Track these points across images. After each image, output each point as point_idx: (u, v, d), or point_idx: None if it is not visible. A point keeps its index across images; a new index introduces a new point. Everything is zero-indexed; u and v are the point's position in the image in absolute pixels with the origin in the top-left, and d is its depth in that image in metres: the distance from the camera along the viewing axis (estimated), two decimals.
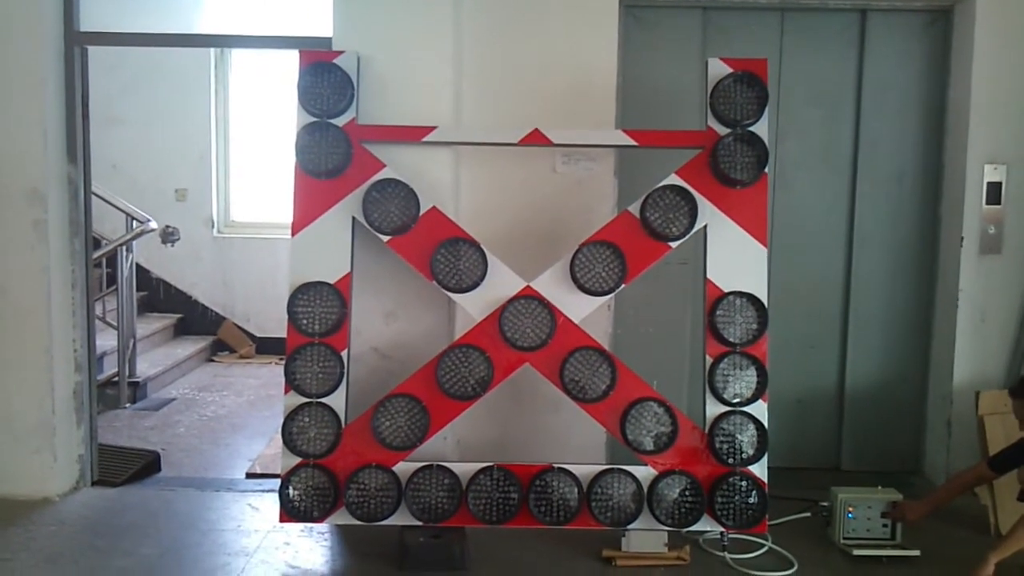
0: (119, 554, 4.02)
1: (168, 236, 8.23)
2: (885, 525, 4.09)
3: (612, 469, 3.93)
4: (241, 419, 6.44)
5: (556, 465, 3.94)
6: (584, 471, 3.94)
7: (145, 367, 7.13)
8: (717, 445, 3.93)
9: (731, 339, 3.97)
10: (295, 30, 5.17)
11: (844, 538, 4.11)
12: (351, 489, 3.90)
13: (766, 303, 3.97)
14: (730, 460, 3.93)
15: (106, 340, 6.50)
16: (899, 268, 5.05)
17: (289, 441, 3.95)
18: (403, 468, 3.92)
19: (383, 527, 3.92)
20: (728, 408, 3.96)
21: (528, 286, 3.99)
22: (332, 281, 4.01)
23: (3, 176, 4.45)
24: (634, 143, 4.12)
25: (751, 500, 3.92)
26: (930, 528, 4.22)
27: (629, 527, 3.93)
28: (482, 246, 3.98)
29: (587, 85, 4.49)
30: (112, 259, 6.95)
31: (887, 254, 5.05)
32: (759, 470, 3.95)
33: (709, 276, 4.00)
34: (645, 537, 3.95)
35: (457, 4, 4.38)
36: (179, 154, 8.55)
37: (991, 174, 4.67)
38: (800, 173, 5.02)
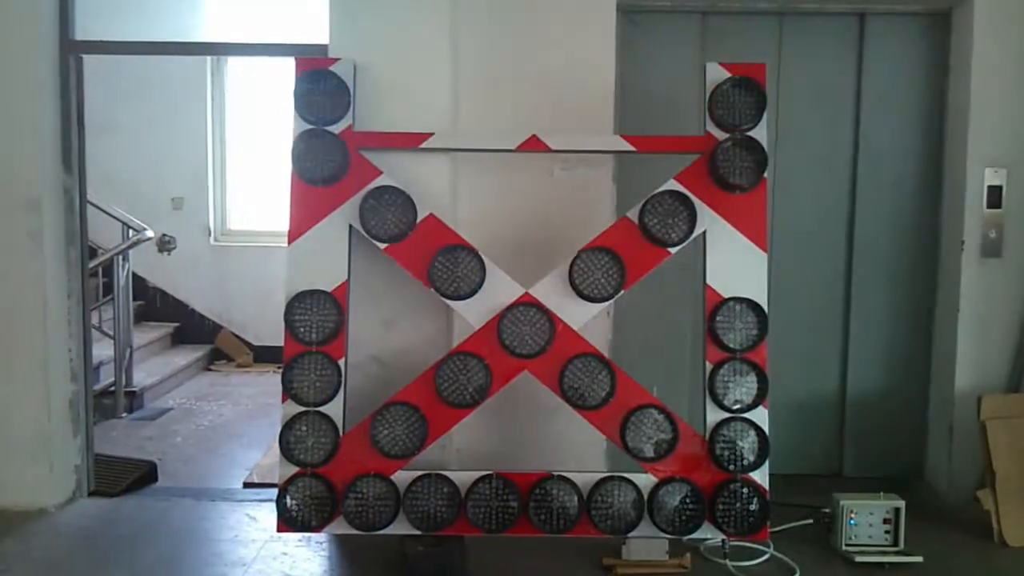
0: (116, 565, 3.99)
1: (165, 245, 8.20)
2: (887, 531, 4.07)
3: (612, 477, 3.90)
4: (238, 428, 6.42)
5: (556, 473, 3.91)
6: (584, 479, 3.91)
7: (142, 376, 7.11)
8: (718, 452, 3.91)
9: (731, 345, 3.95)
10: (291, 37, 5.16)
11: (846, 545, 4.08)
12: (349, 498, 3.88)
13: (766, 309, 3.95)
14: (731, 467, 3.91)
15: (103, 349, 6.49)
16: (900, 272, 5.03)
17: (287, 450, 3.92)
18: (402, 477, 3.90)
19: (382, 536, 3.89)
20: (729, 414, 3.93)
21: (527, 293, 3.96)
22: (329, 289, 3.98)
23: None
24: (633, 149, 4.11)
25: (752, 507, 3.89)
26: (933, 534, 4.20)
27: (629, 535, 3.90)
28: (480, 253, 3.96)
29: (585, 91, 4.46)
30: (108, 268, 6.94)
31: (888, 258, 5.03)
32: (760, 477, 3.92)
33: (708, 282, 3.98)
34: (645, 545, 3.93)
35: (454, 10, 4.37)
36: (175, 162, 8.55)
37: (991, 178, 4.65)
38: (800, 178, 5.00)
